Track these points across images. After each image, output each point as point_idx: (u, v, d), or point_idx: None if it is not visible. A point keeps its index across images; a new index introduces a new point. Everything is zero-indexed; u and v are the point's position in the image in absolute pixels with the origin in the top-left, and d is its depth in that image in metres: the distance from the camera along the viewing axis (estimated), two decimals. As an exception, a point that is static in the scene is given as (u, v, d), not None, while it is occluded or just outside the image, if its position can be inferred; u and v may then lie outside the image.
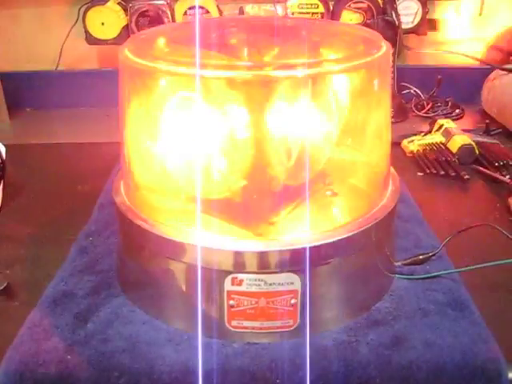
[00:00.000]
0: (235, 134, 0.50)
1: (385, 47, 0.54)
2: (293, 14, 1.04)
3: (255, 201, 0.53)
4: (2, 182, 0.78)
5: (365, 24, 1.04)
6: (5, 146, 0.81)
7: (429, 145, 0.93)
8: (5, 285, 0.61)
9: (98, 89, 1.07)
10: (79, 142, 1.00)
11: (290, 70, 0.47)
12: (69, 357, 0.51)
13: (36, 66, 1.16)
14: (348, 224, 0.53)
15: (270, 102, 0.49)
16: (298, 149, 0.51)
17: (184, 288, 0.54)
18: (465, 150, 0.89)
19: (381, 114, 0.55)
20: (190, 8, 1.04)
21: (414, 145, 0.94)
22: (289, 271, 0.50)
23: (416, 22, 1.10)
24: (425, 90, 1.10)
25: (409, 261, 0.63)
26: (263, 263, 0.50)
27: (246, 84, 0.49)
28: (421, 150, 0.93)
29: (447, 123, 0.97)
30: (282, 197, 0.53)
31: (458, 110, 1.09)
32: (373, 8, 1.04)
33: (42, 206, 0.79)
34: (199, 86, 0.46)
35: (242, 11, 1.07)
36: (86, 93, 1.11)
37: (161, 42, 0.59)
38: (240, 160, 0.51)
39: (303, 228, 0.51)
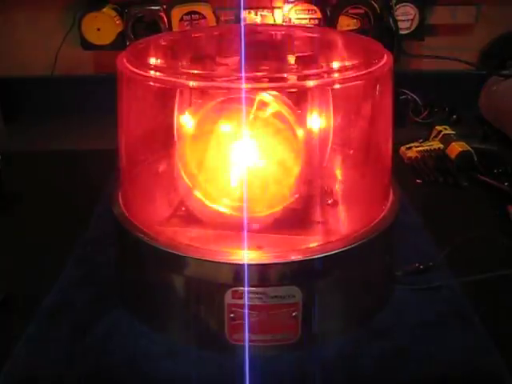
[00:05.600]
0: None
1: (386, 56, 0.54)
2: (290, 20, 1.03)
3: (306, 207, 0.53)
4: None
5: (362, 30, 1.04)
6: (0, 153, 0.80)
7: (427, 151, 0.93)
8: (2, 296, 0.60)
9: (94, 94, 1.06)
10: (76, 148, 0.99)
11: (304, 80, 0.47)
12: (67, 371, 0.51)
13: (31, 72, 1.15)
14: (349, 236, 0.52)
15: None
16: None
17: (184, 301, 0.53)
18: (463, 156, 0.89)
19: (383, 124, 0.55)
20: (186, 14, 1.03)
21: (412, 151, 0.93)
22: (290, 284, 0.50)
23: (413, 28, 1.09)
24: (422, 96, 1.10)
25: (409, 270, 0.62)
26: (264, 276, 0.50)
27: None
28: (419, 157, 0.92)
29: (445, 129, 0.97)
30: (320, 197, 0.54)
31: (454, 116, 1.09)
32: (370, 14, 1.04)
33: (38, 214, 0.78)
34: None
35: (238, 17, 1.06)
36: (82, 98, 1.10)
37: (160, 51, 0.58)
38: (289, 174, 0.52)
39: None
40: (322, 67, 0.52)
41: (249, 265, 0.49)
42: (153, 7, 1.05)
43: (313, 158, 0.52)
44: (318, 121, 0.52)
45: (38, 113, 1.12)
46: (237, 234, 0.51)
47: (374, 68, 0.51)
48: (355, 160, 0.57)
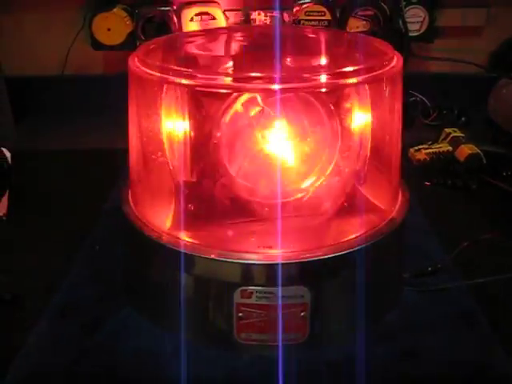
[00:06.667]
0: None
1: (396, 58, 0.54)
2: (300, 21, 1.03)
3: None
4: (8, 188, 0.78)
5: (371, 32, 1.04)
6: (10, 151, 0.81)
7: (436, 154, 0.93)
8: (11, 295, 0.60)
9: (104, 94, 1.06)
10: (85, 147, 1.00)
11: (305, 81, 0.47)
12: (76, 369, 0.51)
13: (42, 72, 1.16)
14: (358, 237, 0.52)
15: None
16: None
17: (192, 300, 0.53)
18: (472, 159, 0.89)
19: (393, 126, 0.55)
20: (196, 14, 1.03)
21: (421, 153, 0.93)
22: (299, 284, 0.50)
23: (423, 30, 1.09)
24: (431, 98, 1.10)
25: (417, 273, 0.62)
26: (273, 276, 0.50)
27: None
28: (428, 159, 0.92)
29: (454, 132, 0.96)
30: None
31: (463, 119, 1.08)
32: (379, 16, 1.04)
33: (47, 213, 0.78)
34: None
35: (248, 18, 1.07)
36: (93, 98, 1.11)
37: (171, 52, 0.59)
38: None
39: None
40: (331, 69, 0.52)
41: (258, 264, 0.49)
42: (163, 8, 1.05)
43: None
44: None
45: (48, 112, 1.13)
46: (246, 233, 0.51)
47: (384, 70, 0.51)
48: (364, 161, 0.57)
